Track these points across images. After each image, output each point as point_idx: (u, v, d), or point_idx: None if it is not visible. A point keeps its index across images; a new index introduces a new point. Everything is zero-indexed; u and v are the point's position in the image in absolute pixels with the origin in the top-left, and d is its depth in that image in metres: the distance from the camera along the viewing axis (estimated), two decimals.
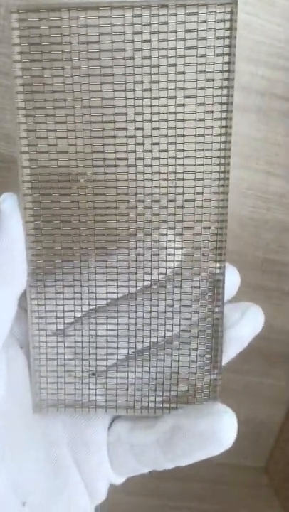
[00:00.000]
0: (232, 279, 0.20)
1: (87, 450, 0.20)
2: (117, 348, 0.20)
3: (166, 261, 0.19)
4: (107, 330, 0.20)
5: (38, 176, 0.18)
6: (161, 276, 0.20)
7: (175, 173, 0.18)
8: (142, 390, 0.20)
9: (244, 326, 0.19)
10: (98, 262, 0.19)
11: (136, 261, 0.19)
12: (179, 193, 0.18)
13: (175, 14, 0.16)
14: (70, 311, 0.20)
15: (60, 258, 0.19)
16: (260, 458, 0.44)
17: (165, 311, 0.20)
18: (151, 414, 0.20)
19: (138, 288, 0.20)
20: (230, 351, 0.20)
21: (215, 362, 0.20)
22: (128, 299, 0.20)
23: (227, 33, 0.16)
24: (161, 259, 0.19)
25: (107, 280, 0.19)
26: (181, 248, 0.19)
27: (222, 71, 0.16)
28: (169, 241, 0.19)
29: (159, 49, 0.17)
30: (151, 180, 0.18)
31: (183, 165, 0.17)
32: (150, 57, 0.16)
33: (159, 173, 0.18)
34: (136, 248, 0.19)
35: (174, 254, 0.19)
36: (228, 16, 0.16)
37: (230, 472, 0.42)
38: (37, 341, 0.20)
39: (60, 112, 0.18)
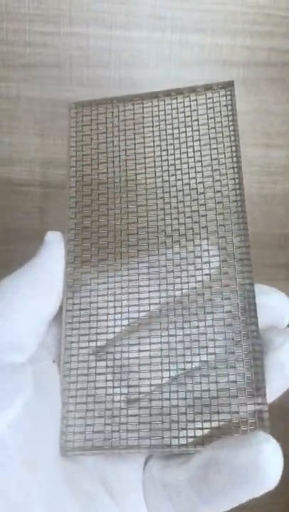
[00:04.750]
0: (282, 306, 0.18)
1: (122, 489, 0.17)
2: (162, 369, 0.18)
3: (202, 269, 0.19)
4: (150, 348, 0.19)
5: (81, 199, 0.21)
6: (197, 284, 0.19)
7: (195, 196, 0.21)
8: (178, 422, 0.17)
9: (287, 351, 0.17)
10: (131, 269, 0.20)
11: (173, 271, 0.20)
12: (202, 204, 0.20)
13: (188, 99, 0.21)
14: (104, 324, 0.19)
15: (96, 269, 0.20)
16: None
17: (205, 326, 0.19)
18: (190, 451, 0.17)
19: (176, 295, 0.19)
20: (274, 380, 0.17)
21: (258, 387, 0.17)
22: (167, 315, 0.19)
23: (230, 111, 0.21)
24: (197, 268, 0.19)
25: (139, 287, 0.19)
26: (219, 256, 0.19)
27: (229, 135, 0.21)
28: (204, 250, 0.19)
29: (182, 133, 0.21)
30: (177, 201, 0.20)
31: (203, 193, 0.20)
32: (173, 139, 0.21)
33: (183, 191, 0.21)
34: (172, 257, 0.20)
35: (209, 262, 0.19)
36: (228, 97, 0.21)
37: None
38: (68, 358, 0.19)
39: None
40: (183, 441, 0.17)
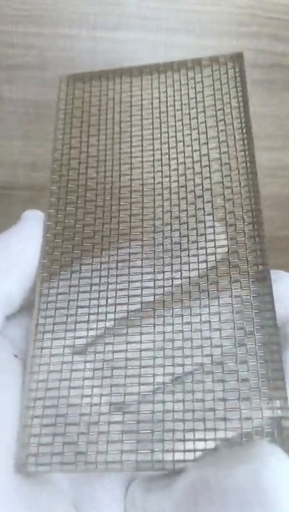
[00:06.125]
0: None
1: None
2: (154, 365, 0.15)
3: (206, 247, 0.16)
4: (140, 339, 0.15)
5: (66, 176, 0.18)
6: (200, 266, 0.16)
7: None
8: (173, 431, 0.14)
9: None
10: (120, 258, 0.17)
11: (171, 250, 0.17)
12: (206, 177, 0.18)
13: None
14: (85, 311, 0.16)
15: (78, 259, 0.17)
16: None
17: (209, 313, 0.16)
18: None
19: (174, 277, 0.16)
20: None
21: (276, 387, 0.14)
22: (163, 300, 0.16)
23: (238, 82, 0.19)
24: (200, 247, 0.16)
25: (130, 268, 0.16)
26: (226, 234, 0.16)
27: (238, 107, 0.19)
28: (209, 227, 0.16)
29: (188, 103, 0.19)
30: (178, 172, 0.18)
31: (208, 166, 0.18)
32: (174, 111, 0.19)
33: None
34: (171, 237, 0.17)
35: (214, 240, 0.16)
36: (237, 69, 0.19)
37: None
38: (38, 351, 0.15)
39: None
40: (179, 457, 0.13)
